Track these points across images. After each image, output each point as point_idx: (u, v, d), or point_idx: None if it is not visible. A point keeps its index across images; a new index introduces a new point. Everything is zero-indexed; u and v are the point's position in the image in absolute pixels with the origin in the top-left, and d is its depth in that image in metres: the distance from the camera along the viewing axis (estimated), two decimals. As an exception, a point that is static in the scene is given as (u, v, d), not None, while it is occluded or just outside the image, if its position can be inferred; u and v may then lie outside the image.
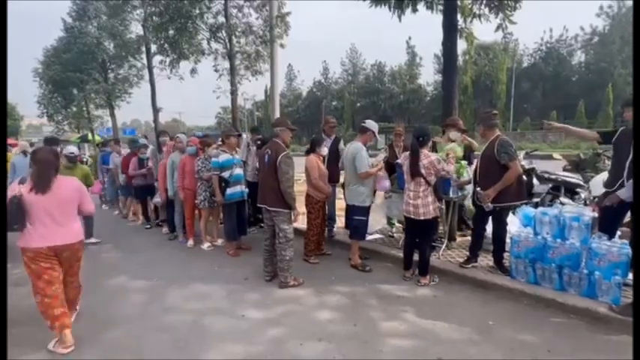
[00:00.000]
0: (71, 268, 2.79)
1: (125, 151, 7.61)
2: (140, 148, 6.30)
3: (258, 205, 3.86)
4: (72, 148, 5.13)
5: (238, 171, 4.74)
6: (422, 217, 3.52)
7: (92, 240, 5.44)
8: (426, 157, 3.50)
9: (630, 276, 3.08)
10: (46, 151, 2.73)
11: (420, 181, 3.51)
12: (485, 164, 3.55)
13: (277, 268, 3.73)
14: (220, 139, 5.10)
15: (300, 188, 5.16)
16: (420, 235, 3.67)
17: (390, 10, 6.13)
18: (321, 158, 4.37)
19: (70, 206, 2.69)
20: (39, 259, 2.58)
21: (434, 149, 4.40)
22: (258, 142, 5.25)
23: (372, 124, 4.19)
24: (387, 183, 4.23)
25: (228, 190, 4.62)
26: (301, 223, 4.75)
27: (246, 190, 4.93)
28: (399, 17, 6.16)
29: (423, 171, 3.48)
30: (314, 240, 4.42)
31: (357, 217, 4.08)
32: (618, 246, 2.96)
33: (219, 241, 5.25)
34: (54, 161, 2.65)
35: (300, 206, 5.29)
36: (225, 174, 4.61)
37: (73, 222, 2.72)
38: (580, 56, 39.92)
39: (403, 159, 3.76)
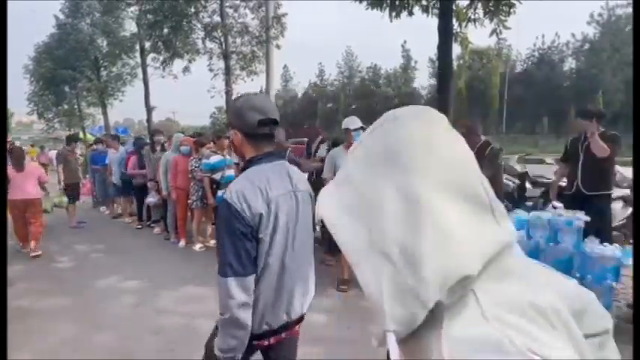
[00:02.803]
0: (32, 214, 4.91)
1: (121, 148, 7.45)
2: (144, 146, 6.20)
3: None
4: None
5: (230, 172, 4.69)
6: None
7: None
8: None
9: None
10: (18, 149, 5.45)
11: None
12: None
13: None
14: (211, 139, 5.06)
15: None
16: None
17: (382, 12, 6.13)
18: None
19: (33, 178, 4.94)
20: (13, 206, 4.81)
21: None
22: None
23: (345, 122, 3.71)
24: None
25: (220, 192, 4.57)
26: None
27: None
28: (391, 18, 6.17)
29: None
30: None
31: None
32: (610, 250, 2.99)
33: (212, 242, 5.19)
34: (22, 154, 5.09)
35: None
36: (217, 176, 4.56)
37: (34, 187, 4.95)
38: (571, 63, 40.62)
39: None
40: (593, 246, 3.06)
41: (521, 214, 4.02)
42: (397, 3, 6.00)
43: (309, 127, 5.31)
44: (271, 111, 1.25)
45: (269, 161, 1.27)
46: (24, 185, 4.82)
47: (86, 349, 2.67)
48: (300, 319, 1.39)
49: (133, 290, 3.70)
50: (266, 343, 1.30)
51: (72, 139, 7.05)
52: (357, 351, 2.58)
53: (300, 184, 1.33)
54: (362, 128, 3.63)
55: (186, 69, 13.39)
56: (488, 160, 3.55)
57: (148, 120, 18.16)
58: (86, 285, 3.83)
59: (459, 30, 6.25)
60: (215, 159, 4.56)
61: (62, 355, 2.59)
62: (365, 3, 6.21)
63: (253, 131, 1.24)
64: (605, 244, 3.11)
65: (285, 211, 1.23)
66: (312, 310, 3.14)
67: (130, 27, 17.88)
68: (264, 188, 1.19)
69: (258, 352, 1.36)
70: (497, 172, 3.66)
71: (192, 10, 11.77)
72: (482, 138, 3.79)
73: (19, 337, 2.77)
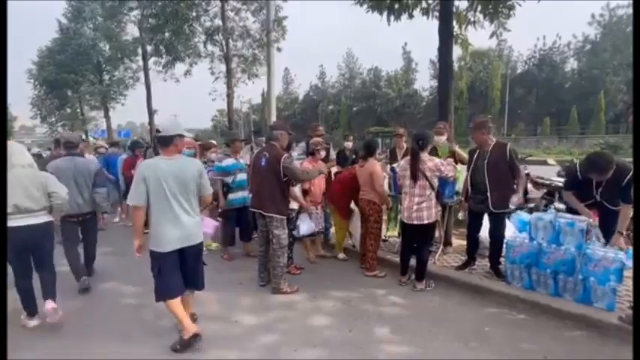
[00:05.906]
0: None
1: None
2: (147, 149, 6.20)
3: (252, 209, 3.79)
4: None
5: (242, 176, 4.67)
6: (426, 222, 3.49)
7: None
8: (430, 160, 3.48)
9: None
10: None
11: (425, 185, 3.46)
12: (496, 171, 3.53)
13: (271, 274, 3.68)
14: (225, 142, 5.05)
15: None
16: (420, 240, 3.63)
17: (381, 15, 6.13)
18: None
19: None
20: None
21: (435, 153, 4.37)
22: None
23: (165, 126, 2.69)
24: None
25: (230, 196, 4.56)
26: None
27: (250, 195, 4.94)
28: (388, 21, 6.17)
29: (428, 173, 3.44)
30: (373, 249, 4.02)
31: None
32: (613, 252, 2.97)
33: (214, 245, 5.19)
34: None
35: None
36: (228, 179, 4.56)
37: None
38: (573, 63, 40.53)
39: (404, 164, 3.65)
40: (596, 247, 3.05)
41: (523, 215, 4.02)
42: (397, 6, 6.01)
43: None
44: (69, 137, 3.98)
45: (66, 155, 3.74)
46: None
47: (87, 351, 2.67)
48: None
49: (134, 293, 3.70)
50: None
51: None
52: (357, 355, 2.58)
53: (79, 165, 3.69)
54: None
55: (187, 72, 13.46)
56: (516, 160, 3.47)
57: (150, 123, 18.24)
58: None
59: (459, 32, 6.25)
60: (228, 162, 4.56)
61: (63, 356, 2.59)
62: (365, 6, 6.23)
63: (64, 145, 3.86)
64: (608, 245, 3.09)
65: (65, 175, 3.45)
66: (314, 313, 3.16)
67: (132, 31, 18.01)
68: (58, 165, 3.59)
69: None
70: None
71: (194, 13, 11.85)
72: (493, 139, 3.59)
73: (19, 338, 2.78)
